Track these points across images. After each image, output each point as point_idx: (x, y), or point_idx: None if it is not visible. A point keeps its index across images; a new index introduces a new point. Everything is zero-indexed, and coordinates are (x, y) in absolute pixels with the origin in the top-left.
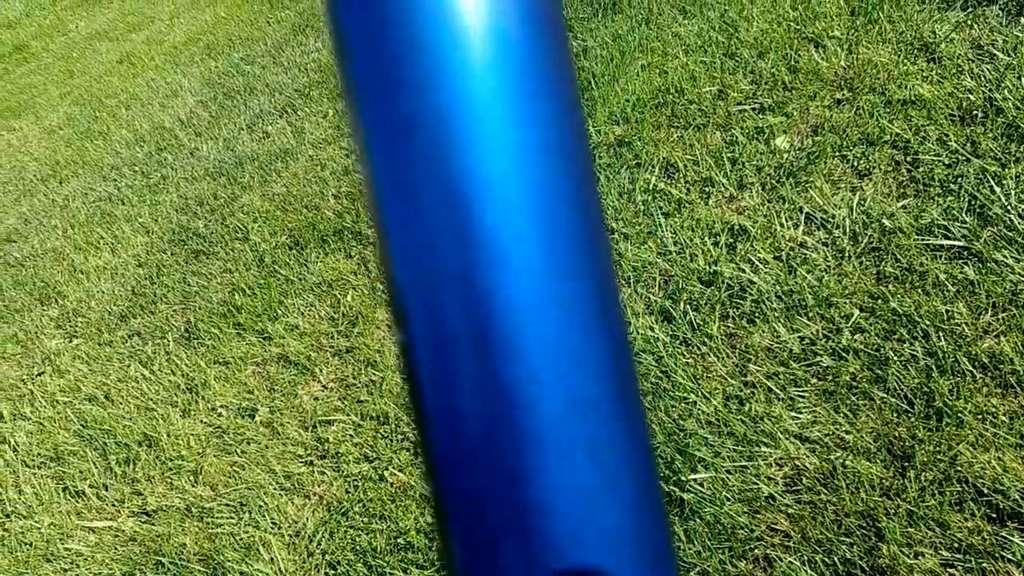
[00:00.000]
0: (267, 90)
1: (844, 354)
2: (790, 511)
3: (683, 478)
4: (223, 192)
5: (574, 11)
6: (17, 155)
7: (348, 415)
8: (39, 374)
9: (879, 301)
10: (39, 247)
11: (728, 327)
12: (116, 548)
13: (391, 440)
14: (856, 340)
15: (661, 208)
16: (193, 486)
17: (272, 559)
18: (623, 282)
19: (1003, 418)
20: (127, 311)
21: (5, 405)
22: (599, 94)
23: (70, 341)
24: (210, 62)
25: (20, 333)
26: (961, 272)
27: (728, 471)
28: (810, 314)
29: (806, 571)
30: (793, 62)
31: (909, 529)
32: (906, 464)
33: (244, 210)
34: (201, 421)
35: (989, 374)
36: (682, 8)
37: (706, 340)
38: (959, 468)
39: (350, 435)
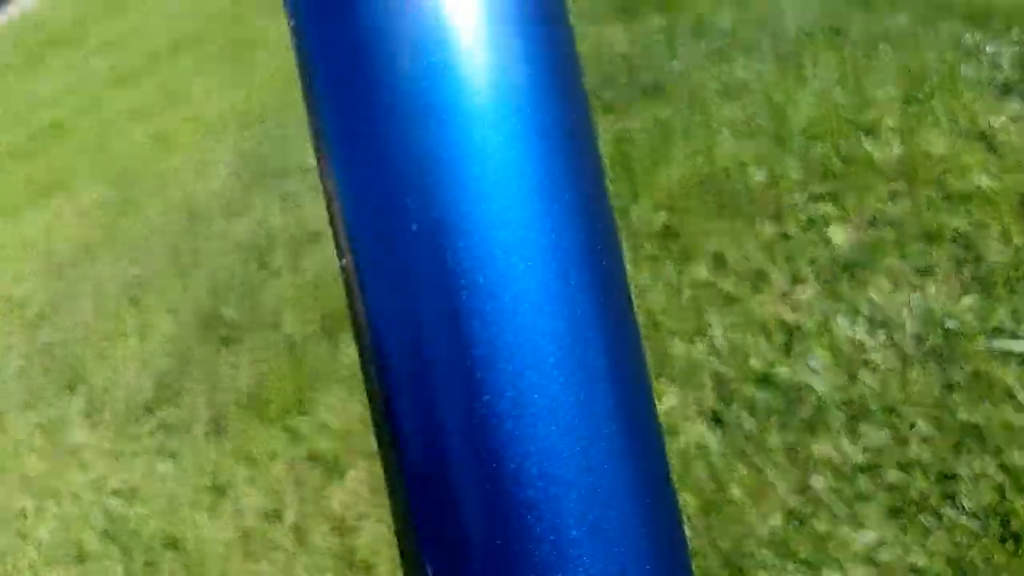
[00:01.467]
0: (299, 167)
1: (911, 468)
2: None
3: None
4: (254, 274)
5: (616, 94)
6: (50, 233)
7: (378, 522)
8: (64, 467)
9: (946, 410)
10: (68, 330)
11: (786, 436)
12: None
13: None
14: (923, 453)
15: (710, 303)
16: None
17: None
18: (671, 382)
19: None
20: (154, 401)
21: (29, 500)
22: (644, 180)
23: (96, 432)
24: (243, 139)
25: (46, 422)
26: None
27: None
28: (874, 423)
29: None
30: (846, 150)
31: None
32: None
33: (275, 293)
34: (227, 523)
35: None
36: (727, 91)
37: (763, 450)
38: None
39: (380, 544)
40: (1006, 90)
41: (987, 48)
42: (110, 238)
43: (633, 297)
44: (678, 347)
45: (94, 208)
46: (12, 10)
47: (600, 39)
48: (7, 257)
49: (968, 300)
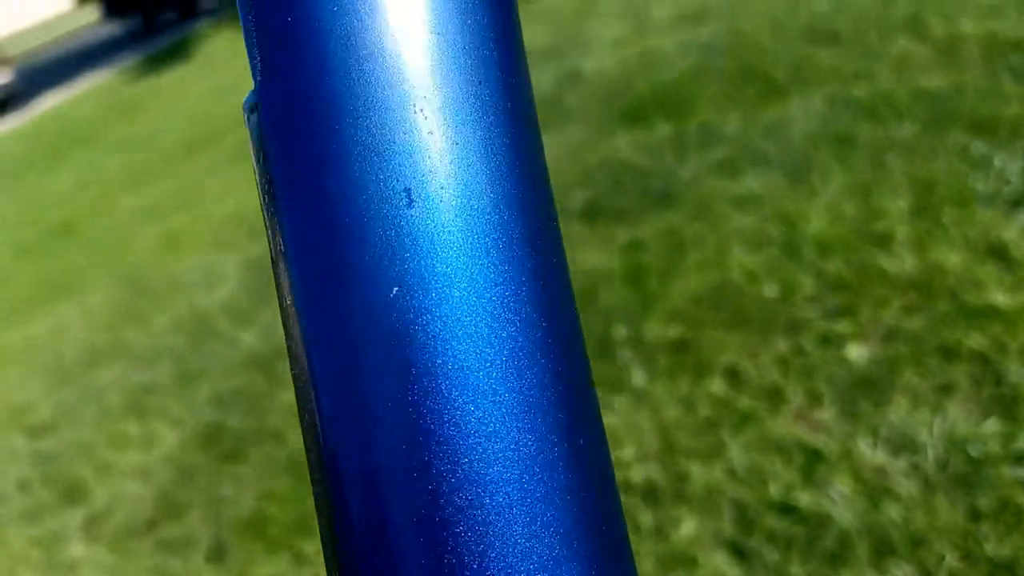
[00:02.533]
0: None
1: None
2: None
3: None
4: (260, 386)
5: (626, 202)
6: (57, 336)
7: None
8: None
9: (973, 543)
10: (71, 440)
11: (809, 568)
12: None
13: None
14: None
15: (726, 421)
16: None
17: None
18: (689, 508)
19: None
20: (155, 517)
21: None
22: (657, 291)
23: (94, 548)
24: (253, 244)
25: (44, 535)
26: None
27: None
28: (899, 555)
29: None
30: (858, 263)
31: None
32: None
33: (279, 406)
34: None
35: None
36: (736, 201)
37: None
38: None
39: None
40: (1016, 204)
41: (995, 160)
42: (116, 343)
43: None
44: (695, 469)
45: (102, 311)
46: (34, 109)
47: (609, 146)
48: (12, 360)
49: (990, 424)
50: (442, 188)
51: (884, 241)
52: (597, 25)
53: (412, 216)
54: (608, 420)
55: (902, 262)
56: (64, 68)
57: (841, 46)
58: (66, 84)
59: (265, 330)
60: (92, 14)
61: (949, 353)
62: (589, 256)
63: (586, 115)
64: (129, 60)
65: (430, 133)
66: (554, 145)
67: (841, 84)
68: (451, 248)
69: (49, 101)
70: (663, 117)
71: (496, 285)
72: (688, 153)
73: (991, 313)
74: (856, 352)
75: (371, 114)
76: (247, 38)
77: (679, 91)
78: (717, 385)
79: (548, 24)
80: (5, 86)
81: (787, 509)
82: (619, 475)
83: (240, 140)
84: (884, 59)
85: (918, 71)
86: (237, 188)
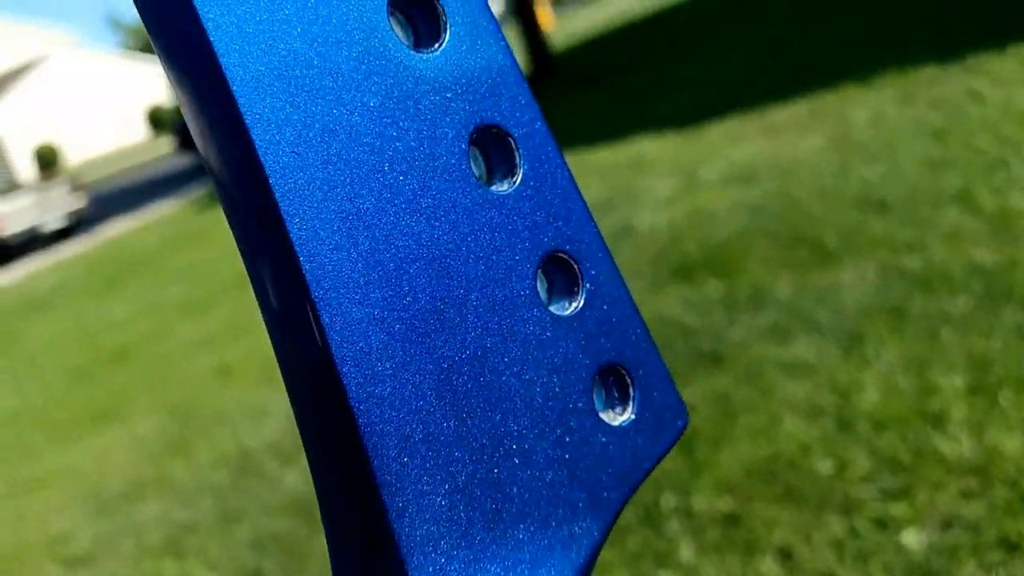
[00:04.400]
0: None
1: None
2: None
3: None
4: (300, 530)
5: (674, 362)
6: (101, 465)
7: None
8: None
9: None
10: None
11: None
12: None
13: None
14: None
15: None
16: None
17: None
18: None
19: None
20: None
21: None
22: (706, 459)
23: None
24: None
25: None
26: None
27: None
28: None
29: None
30: (913, 442)
31: None
32: None
33: (319, 553)
34: None
35: None
36: (787, 367)
37: None
38: None
39: None
40: None
41: None
42: (160, 476)
43: None
44: None
45: (148, 442)
46: (102, 235)
47: (658, 302)
48: (53, 486)
49: None
50: None
51: (940, 420)
52: (648, 182)
53: None
54: None
55: (959, 444)
56: (134, 196)
57: (892, 215)
58: (135, 212)
59: (308, 472)
60: (166, 146)
61: (1011, 546)
62: None
63: (637, 270)
64: (197, 192)
65: None
66: None
67: (893, 254)
68: None
69: (117, 227)
70: (713, 276)
71: None
72: (738, 315)
73: None
74: (913, 538)
75: None
76: None
77: (729, 251)
78: (768, 565)
79: (602, 179)
80: (77, 211)
81: None
82: None
83: None
84: (936, 231)
85: (970, 244)
86: None
